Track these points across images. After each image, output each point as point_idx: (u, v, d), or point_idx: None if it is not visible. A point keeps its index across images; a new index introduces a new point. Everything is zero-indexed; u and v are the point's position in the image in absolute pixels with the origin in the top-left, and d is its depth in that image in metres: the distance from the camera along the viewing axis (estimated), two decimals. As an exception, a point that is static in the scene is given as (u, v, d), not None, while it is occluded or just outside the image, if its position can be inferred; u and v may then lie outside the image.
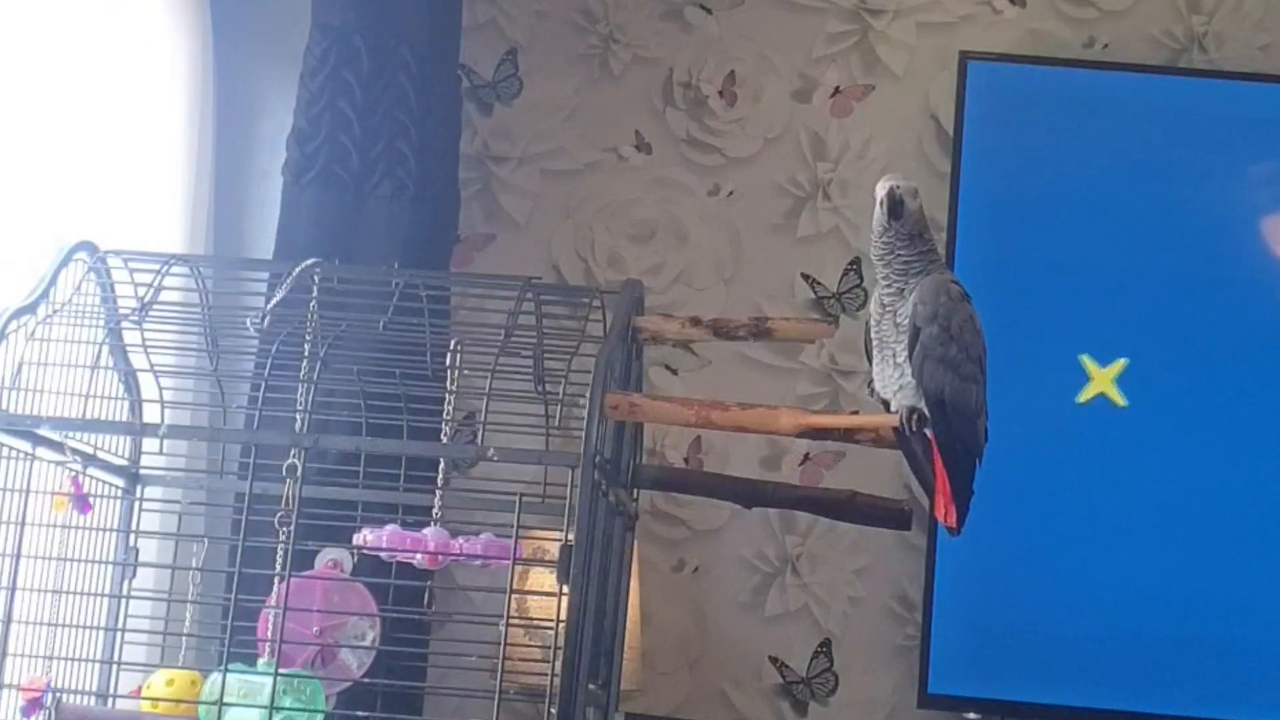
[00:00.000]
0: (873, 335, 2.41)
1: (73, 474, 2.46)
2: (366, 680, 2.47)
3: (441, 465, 2.65)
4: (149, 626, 2.54)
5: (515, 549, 2.37)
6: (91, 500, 2.50)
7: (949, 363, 2.33)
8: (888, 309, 2.38)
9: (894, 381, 2.38)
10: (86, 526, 2.48)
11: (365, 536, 2.51)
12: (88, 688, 2.50)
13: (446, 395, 2.63)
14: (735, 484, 2.80)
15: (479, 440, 2.48)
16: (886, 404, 2.42)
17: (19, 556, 2.35)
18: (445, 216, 3.70)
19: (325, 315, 2.52)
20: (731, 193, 4.02)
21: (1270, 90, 3.83)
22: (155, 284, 2.49)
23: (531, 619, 2.63)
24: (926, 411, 2.35)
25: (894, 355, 2.37)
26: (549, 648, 2.28)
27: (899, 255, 2.37)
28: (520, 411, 2.53)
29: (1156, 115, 3.83)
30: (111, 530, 2.56)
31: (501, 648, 2.30)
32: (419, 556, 2.49)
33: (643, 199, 4.02)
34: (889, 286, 2.38)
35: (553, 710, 2.24)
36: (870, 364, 2.44)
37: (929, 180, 3.90)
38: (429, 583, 2.63)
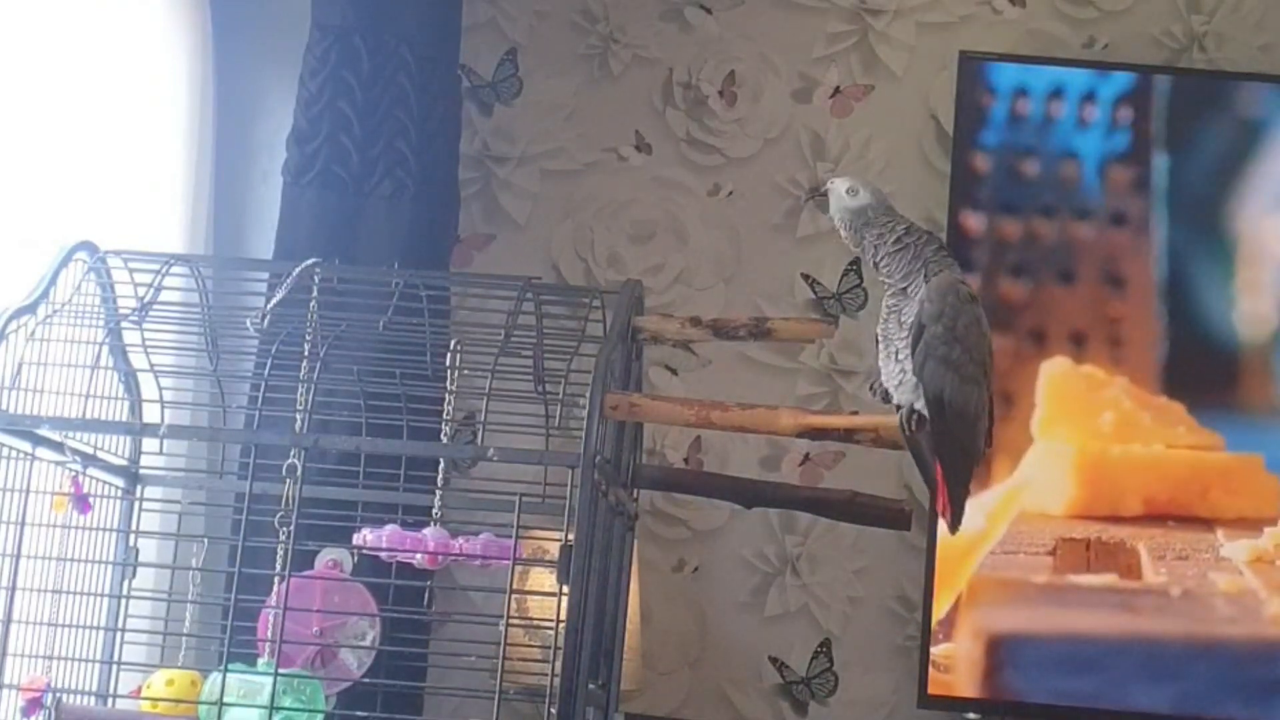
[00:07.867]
0: (878, 331, 2.42)
1: (73, 474, 2.46)
2: (366, 680, 2.46)
3: (441, 465, 2.65)
4: (149, 626, 2.53)
5: (515, 549, 2.37)
6: (91, 500, 2.50)
7: (951, 363, 2.33)
8: (893, 310, 2.38)
9: (894, 376, 2.38)
10: (86, 526, 2.48)
11: (365, 536, 2.51)
12: (88, 688, 2.49)
13: (446, 395, 2.63)
14: (735, 484, 2.80)
15: (479, 440, 2.47)
16: (889, 396, 2.43)
17: (19, 556, 2.35)
18: (445, 216, 3.71)
19: (325, 315, 2.51)
20: (731, 193, 4.02)
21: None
22: (155, 284, 2.49)
23: (531, 619, 2.63)
24: (925, 410, 2.35)
25: (895, 352, 2.38)
26: (549, 648, 2.27)
27: (887, 261, 2.38)
28: (520, 411, 2.53)
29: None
30: (111, 530, 2.55)
31: (501, 648, 2.30)
32: (419, 556, 2.49)
33: (642, 199, 4.02)
34: (889, 289, 2.39)
35: (553, 710, 2.23)
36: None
37: (929, 180, 3.91)
38: (429, 583, 2.63)
